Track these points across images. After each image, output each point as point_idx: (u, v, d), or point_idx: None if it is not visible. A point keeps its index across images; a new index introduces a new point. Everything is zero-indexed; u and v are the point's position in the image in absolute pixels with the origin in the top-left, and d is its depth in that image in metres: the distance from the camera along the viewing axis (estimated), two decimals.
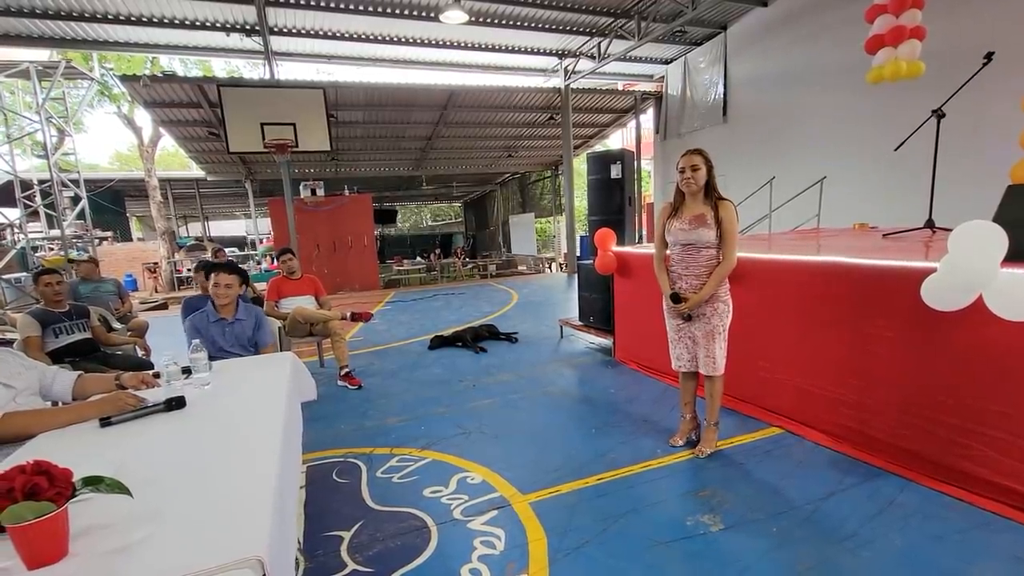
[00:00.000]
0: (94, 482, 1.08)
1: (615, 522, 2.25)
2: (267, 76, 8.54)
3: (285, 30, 8.58)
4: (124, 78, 8.73)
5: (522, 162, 16.80)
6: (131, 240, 19.38)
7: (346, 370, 4.40)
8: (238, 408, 1.84)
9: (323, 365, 5.00)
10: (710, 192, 2.67)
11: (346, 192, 12.62)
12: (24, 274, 10.20)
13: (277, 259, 4.73)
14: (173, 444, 1.56)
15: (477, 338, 5.61)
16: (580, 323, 5.44)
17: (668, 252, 2.85)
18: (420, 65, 10.64)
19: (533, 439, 3.18)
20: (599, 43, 10.05)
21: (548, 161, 16.82)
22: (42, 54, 9.08)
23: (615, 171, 5.05)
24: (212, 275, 2.98)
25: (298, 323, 4.32)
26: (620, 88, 13.46)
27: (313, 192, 11.00)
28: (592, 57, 10.48)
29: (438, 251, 18.77)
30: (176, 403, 1.79)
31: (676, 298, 2.72)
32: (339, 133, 11.42)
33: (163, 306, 11.32)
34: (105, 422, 1.68)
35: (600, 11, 8.93)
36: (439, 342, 5.63)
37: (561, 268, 15.30)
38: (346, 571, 2.03)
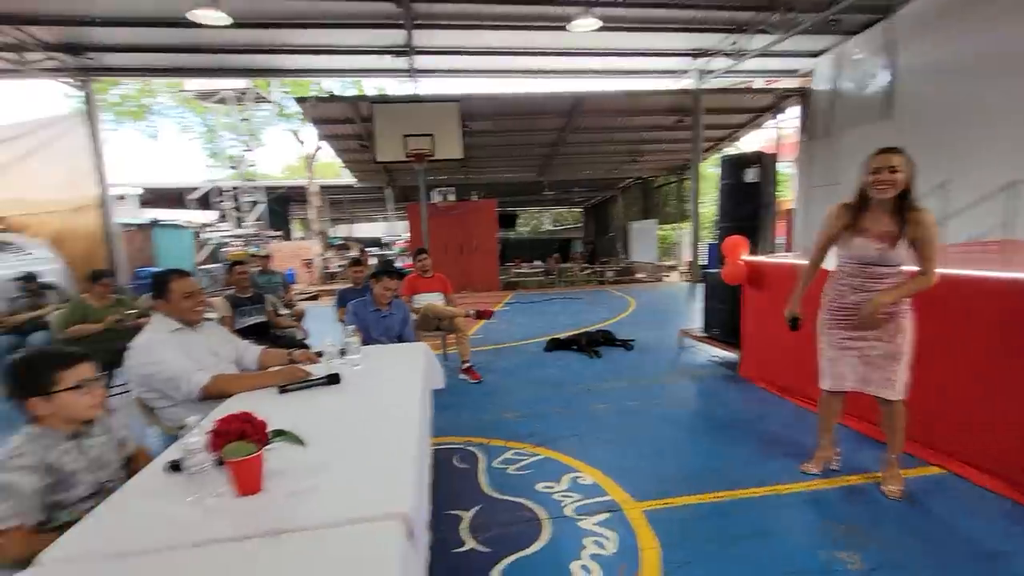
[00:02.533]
0: (280, 434, 1.33)
1: (735, 543, 2.14)
2: (411, 92, 9.37)
3: (427, 49, 9.35)
4: (297, 99, 10.19)
5: (646, 167, 16.33)
6: (291, 239, 22.40)
7: (467, 364, 4.68)
8: (383, 386, 2.10)
9: (446, 358, 5.36)
10: (904, 202, 2.21)
11: (474, 197, 13.30)
12: (215, 265, 12.32)
13: (413, 258, 5.19)
14: (331, 412, 1.83)
15: (592, 343, 5.62)
16: (702, 335, 5.19)
17: (836, 266, 2.48)
18: (547, 74, 10.89)
19: (648, 447, 3.13)
20: (737, 39, 9.44)
21: (673, 165, 16.16)
22: (237, 83, 10.93)
23: (751, 175, 4.76)
24: (384, 277, 3.57)
25: (428, 318, 4.70)
26: (759, 86, 12.49)
27: (445, 197, 11.80)
28: (728, 55, 9.88)
29: (557, 255, 18.97)
30: (333, 379, 2.10)
31: (795, 324, 2.47)
32: (470, 142, 12.11)
33: (315, 297, 12.91)
34: (282, 389, 2.03)
35: (740, 6, 8.40)
36: (555, 344, 5.74)
37: (683, 277, 14.62)
38: (465, 548, 2.19)
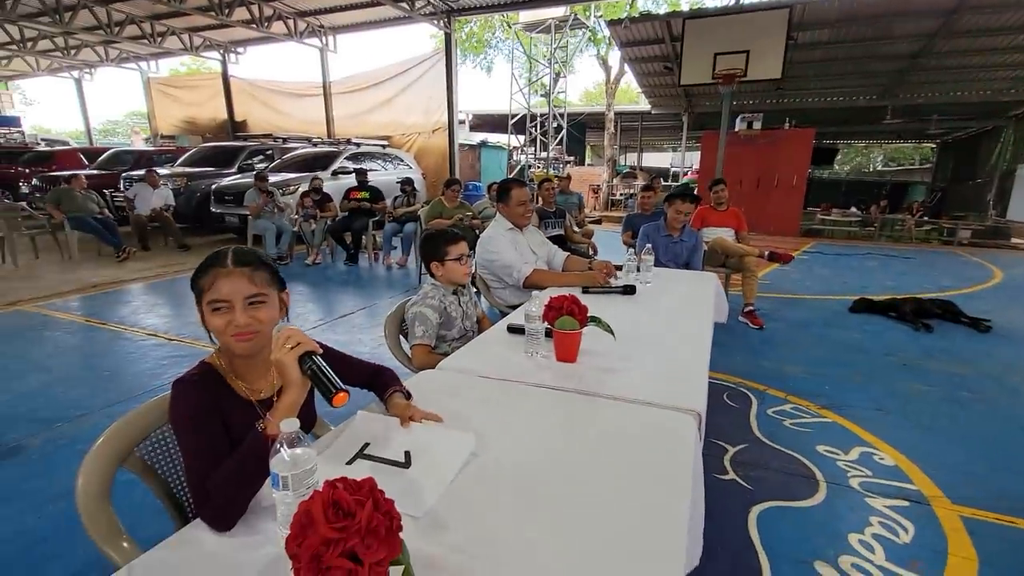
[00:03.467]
0: (596, 321, 1.58)
1: None
2: (732, 3, 8.42)
3: None
4: (610, 22, 10.31)
5: None
6: (583, 165, 23.71)
7: (750, 308, 4.39)
8: (673, 305, 2.21)
9: (727, 298, 5.11)
10: None
11: (786, 126, 11.55)
12: None
13: (709, 189, 4.95)
14: (628, 316, 2.03)
15: (922, 313, 4.53)
16: None
17: None
18: None
19: (984, 449, 2.51)
20: None
21: None
22: (557, 12, 11.65)
23: None
24: (678, 200, 3.59)
25: (716, 252, 4.52)
26: None
27: (750, 125, 10.56)
28: None
29: (883, 203, 15.16)
30: (629, 289, 2.30)
31: None
32: (793, 58, 10.32)
33: (598, 222, 13.65)
34: (585, 290, 2.34)
35: None
36: (864, 305, 4.85)
37: None
38: (727, 477, 2.24)
